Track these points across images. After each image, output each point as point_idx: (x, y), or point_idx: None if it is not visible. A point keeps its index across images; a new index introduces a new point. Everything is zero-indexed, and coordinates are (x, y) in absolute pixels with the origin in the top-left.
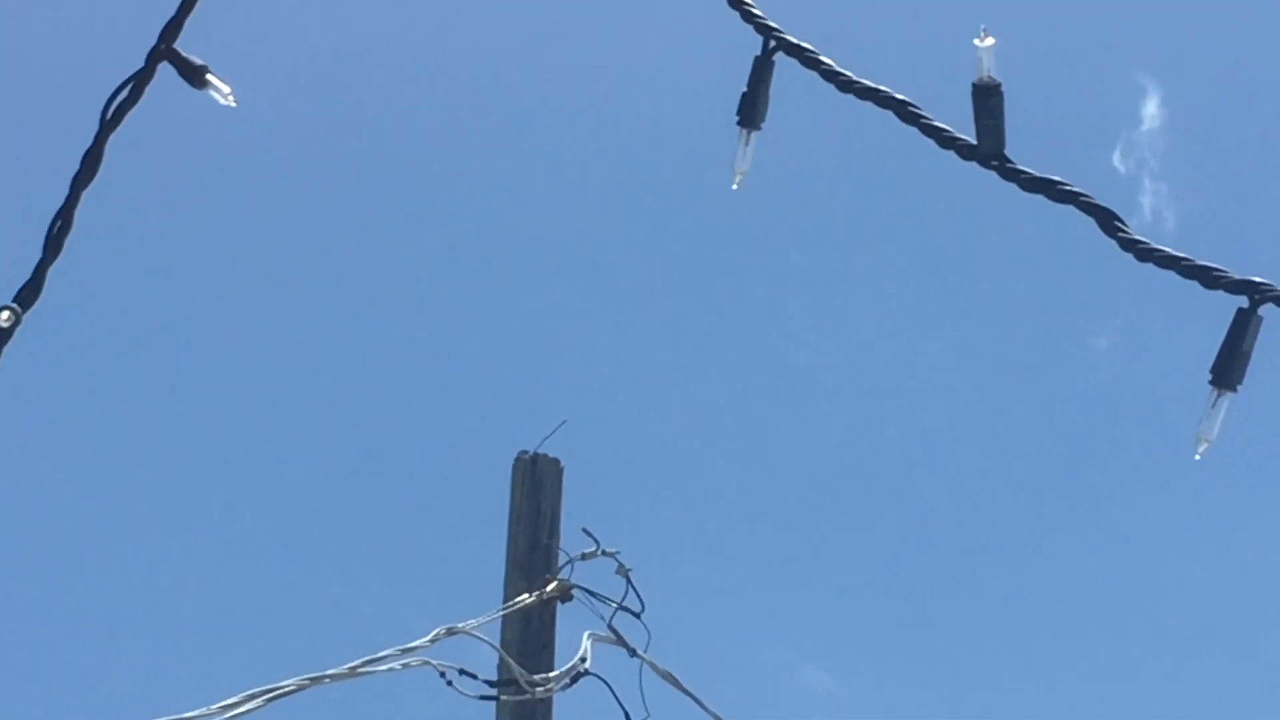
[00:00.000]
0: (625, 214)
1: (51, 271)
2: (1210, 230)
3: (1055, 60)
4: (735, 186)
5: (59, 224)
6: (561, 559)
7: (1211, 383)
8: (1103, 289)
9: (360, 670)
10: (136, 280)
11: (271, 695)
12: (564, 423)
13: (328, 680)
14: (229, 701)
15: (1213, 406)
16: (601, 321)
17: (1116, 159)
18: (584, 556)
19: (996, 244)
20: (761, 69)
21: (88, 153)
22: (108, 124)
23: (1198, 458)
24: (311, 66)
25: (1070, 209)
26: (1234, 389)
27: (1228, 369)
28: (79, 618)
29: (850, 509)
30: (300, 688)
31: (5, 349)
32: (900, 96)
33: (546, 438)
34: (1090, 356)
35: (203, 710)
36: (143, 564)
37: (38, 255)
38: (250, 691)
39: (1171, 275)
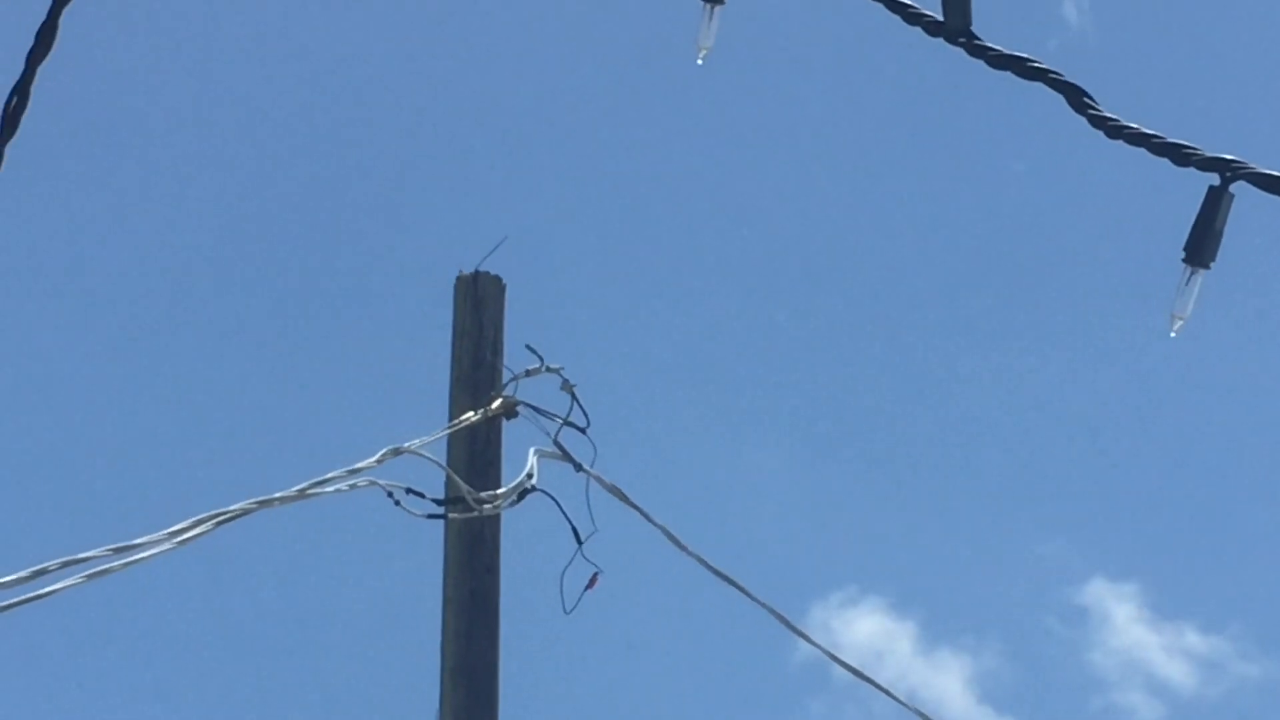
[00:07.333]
0: (585, 72)
1: (9, 148)
2: (1130, 41)
3: None
4: (700, 61)
5: (15, 100)
6: (506, 376)
7: (1185, 260)
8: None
9: (308, 492)
10: (94, 152)
11: (219, 519)
12: (504, 239)
13: (276, 503)
14: (177, 527)
15: (1186, 284)
16: (541, 141)
17: None
18: (528, 373)
19: (964, 121)
20: None
21: (42, 27)
22: None
23: (1173, 335)
24: None
25: (1039, 85)
26: (1207, 266)
27: (1200, 247)
28: (24, 445)
29: (788, 310)
30: (247, 511)
31: None
32: None
33: (487, 255)
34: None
35: (151, 536)
36: (87, 393)
37: None
38: (198, 517)
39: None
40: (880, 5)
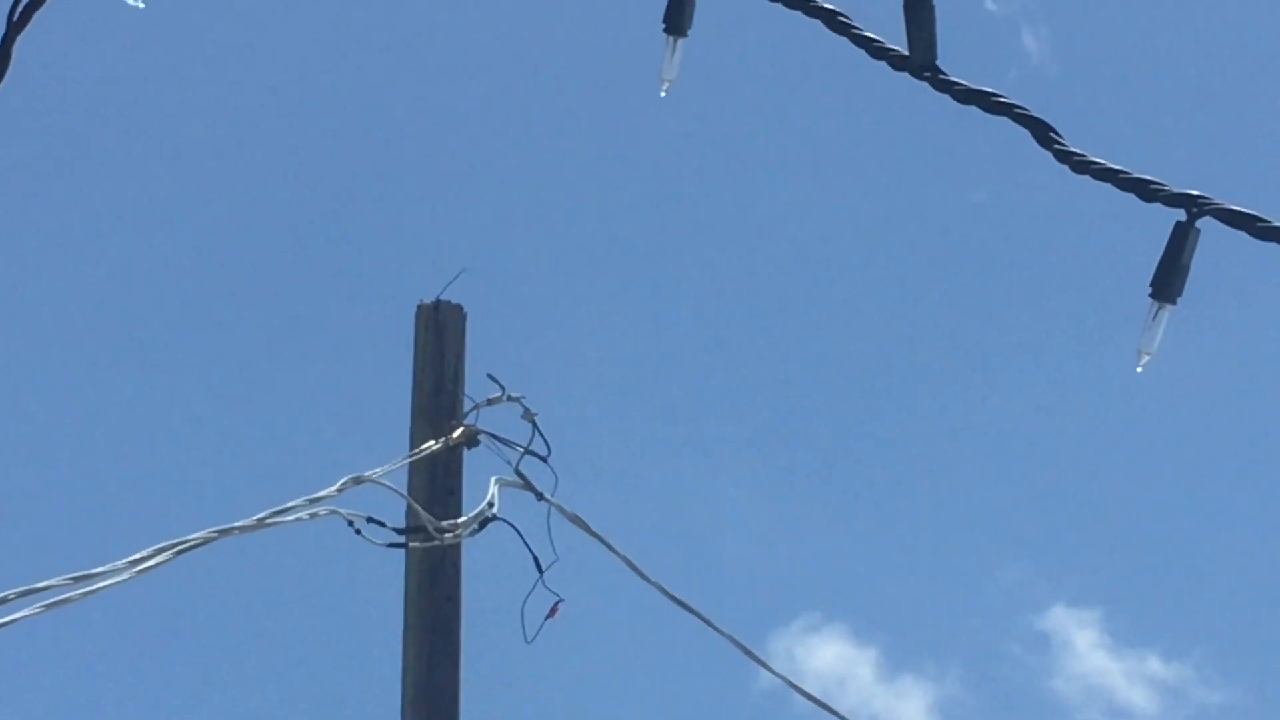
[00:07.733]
0: (548, 102)
1: None
2: (1090, 72)
3: None
4: (663, 94)
5: None
6: (467, 405)
7: (1151, 295)
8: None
9: (268, 521)
10: (44, 180)
11: (179, 548)
12: (466, 269)
13: (236, 532)
14: (136, 556)
15: (1153, 319)
16: (503, 169)
17: (989, 1)
18: (489, 402)
19: (929, 153)
20: None
21: None
22: (14, 26)
23: (1139, 370)
24: None
25: (1004, 120)
26: (1174, 301)
27: (1167, 282)
28: None
29: (750, 339)
30: (207, 540)
31: None
32: (829, 5)
33: (449, 284)
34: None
35: (110, 566)
36: (44, 422)
37: None
38: (158, 546)
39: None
40: (845, 39)
